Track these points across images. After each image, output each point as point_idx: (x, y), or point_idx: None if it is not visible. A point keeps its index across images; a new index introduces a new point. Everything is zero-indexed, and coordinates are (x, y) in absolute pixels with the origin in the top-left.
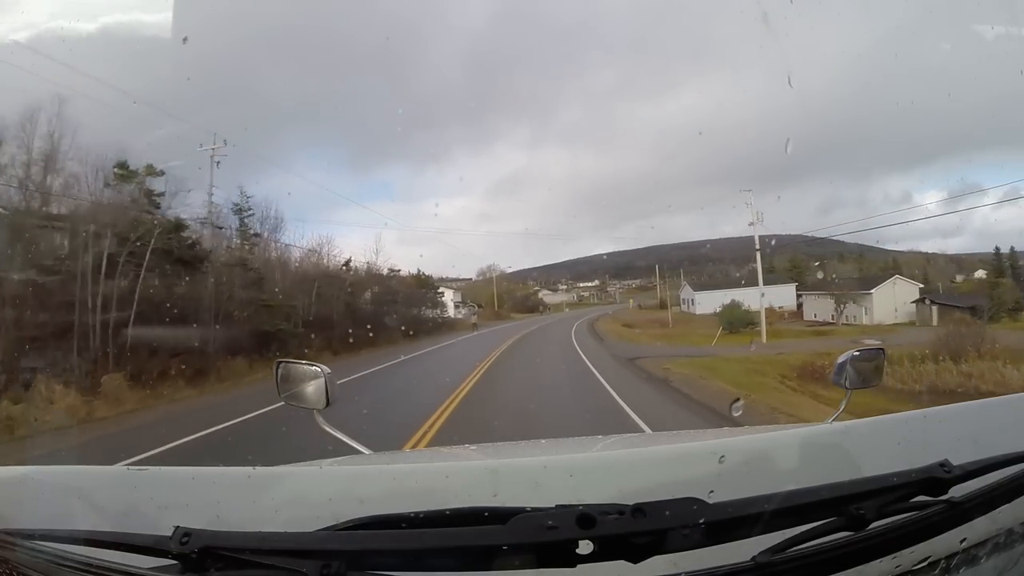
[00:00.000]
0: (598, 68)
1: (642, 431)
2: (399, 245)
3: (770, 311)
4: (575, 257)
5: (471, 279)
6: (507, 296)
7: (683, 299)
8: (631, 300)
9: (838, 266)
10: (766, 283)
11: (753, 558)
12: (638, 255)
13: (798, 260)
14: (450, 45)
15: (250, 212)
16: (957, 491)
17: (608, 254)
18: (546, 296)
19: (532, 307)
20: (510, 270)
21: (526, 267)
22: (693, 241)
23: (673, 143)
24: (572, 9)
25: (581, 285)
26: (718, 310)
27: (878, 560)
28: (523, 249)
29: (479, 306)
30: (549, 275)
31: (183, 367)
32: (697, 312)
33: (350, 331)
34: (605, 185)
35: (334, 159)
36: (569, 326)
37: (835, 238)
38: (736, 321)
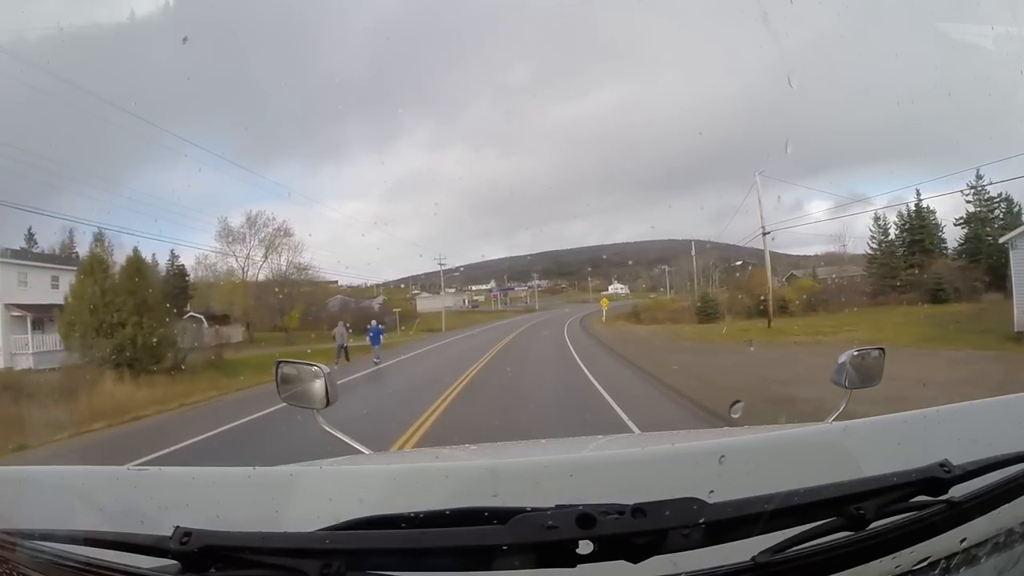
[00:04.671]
0: (509, 62)
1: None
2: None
3: None
4: (468, 263)
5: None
6: (327, 301)
7: None
8: (604, 302)
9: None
10: None
11: (753, 558)
12: (534, 260)
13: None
14: (351, 28)
15: None
16: (957, 491)
17: (502, 259)
18: (423, 300)
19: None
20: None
21: (414, 273)
22: (591, 246)
23: (578, 146)
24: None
25: (474, 288)
26: None
27: (878, 560)
28: (415, 255)
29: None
30: (437, 281)
31: None
32: None
33: None
34: (504, 189)
35: (218, 156)
36: None
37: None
38: None
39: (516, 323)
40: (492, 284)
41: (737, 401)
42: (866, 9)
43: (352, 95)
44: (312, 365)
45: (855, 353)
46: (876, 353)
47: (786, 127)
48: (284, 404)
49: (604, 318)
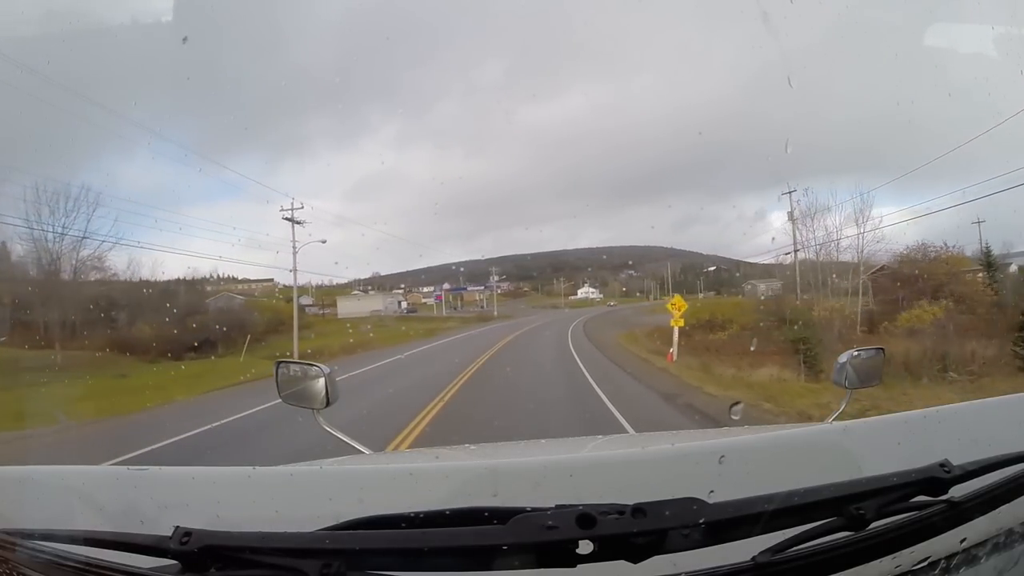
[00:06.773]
0: (480, 60)
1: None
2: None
3: None
4: (426, 266)
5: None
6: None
7: None
8: (679, 305)
9: None
10: None
11: (753, 558)
12: (494, 263)
13: None
14: (316, 20)
15: None
16: (957, 491)
17: (460, 263)
18: (348, 302)
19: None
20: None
21: (391, 272)
22: (556, 250)
23: (548, 148)
24: None
25: (425, 290)
26: None
27: (878, 560)
28: (373, 257)
29: None
30: (391, 283)
31: None
32: None
33: None
34: (468, 190)
35: (173, 150)
36: None
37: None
38: None
39: (448, 353)
40: (446, 285)
41: (737, 402)
42: (865, 9)
43: (316, 89)
44: (312, 365)
45: (855, 353)
46: (875, 353)
47: (781, 130)
48: None
49: (675, 353)
